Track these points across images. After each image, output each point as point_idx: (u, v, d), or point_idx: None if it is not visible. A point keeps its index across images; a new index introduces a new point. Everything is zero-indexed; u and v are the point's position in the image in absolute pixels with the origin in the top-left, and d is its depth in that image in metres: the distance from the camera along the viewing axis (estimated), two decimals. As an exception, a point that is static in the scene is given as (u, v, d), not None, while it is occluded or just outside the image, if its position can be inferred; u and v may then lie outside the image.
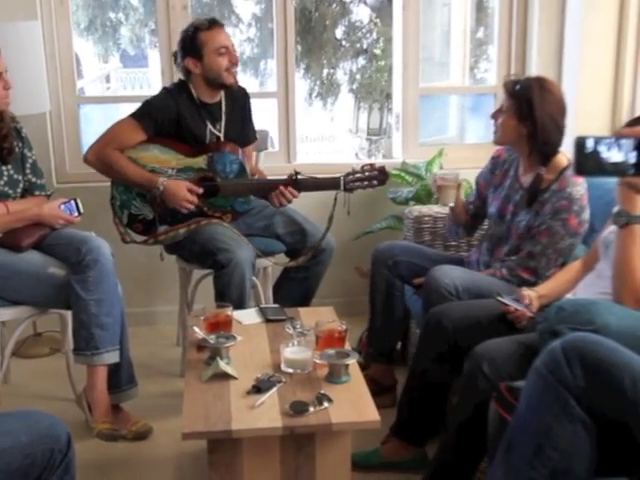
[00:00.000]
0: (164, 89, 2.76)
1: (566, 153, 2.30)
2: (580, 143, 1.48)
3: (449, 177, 2.45)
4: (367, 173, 2.60)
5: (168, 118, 2.63)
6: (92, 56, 7.95)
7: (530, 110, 2.19)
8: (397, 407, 2.21)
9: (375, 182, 2.60)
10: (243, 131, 2.81)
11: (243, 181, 2.68)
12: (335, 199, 2.61)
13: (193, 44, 2.62)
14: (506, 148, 2.43)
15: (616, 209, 1.75)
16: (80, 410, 2.48)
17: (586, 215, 2.21)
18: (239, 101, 2.79)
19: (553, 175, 2.24)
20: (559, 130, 2.22)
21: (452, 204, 2.48)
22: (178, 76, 3.21)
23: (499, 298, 1.99)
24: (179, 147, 2.67)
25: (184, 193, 2.59)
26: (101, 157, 2.61)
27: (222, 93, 2.75)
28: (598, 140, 1.46)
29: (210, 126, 2.70)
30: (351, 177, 2.59)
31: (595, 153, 1.47)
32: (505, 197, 2.38)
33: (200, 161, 2.66)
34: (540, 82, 2.25)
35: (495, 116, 2.30)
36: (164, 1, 3.26)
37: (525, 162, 2.32)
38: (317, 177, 2.66)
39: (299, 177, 2.63)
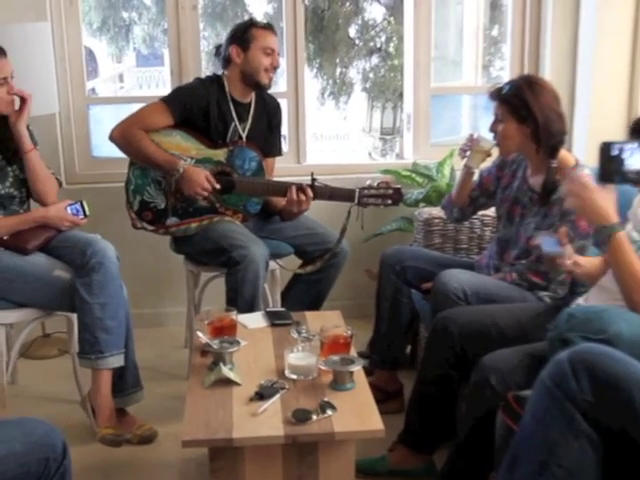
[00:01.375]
0: (197, 79, 2.79)
1: (573, 152, 2.26)
2: (605, 149, 1.43)
3: (485, 144, 2.41)
4: (382, 191, 2.60)
5: (197, 106, 2.64)
6: (105, 56, 7.98)
7: (527, 108, 2.17)
8: (405, 414, 2.17)
9: (389, 201, 2.61)
10: (267, 140, 2.81)
11: (259, 180, 2.66)
12: (349, 212, 2.61)
13: (244, 35, 2.66)
14: None
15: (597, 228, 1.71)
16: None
17: None
18: (269, 110, 2.81)
19: (561, 176, 2.19)
20: (560, 117, 2.21)
21: (477, 169, 2.45)
22: (188, 77, 3.22)
23: (538, 241, 1.90)
24: (201, 138, 2.68)
25: (202, 180, 2.57)
26: (126, 135, 2.63)
27: (253, 95, 2.75)
28: (622, 146, 1.42)
29: (236, 122, 2.70)
30: (366, 192, 2.60)
31: (619, 160, 1.43)
32: (514, 199, 2.34)
33: (220, 154, 2.67)
34: (526, 79, 2.27)
35: (494, 128, 2.27)
36: (174, 1, 3.24)
37: (534, 163, 2.28)
38: (333, 186, 2.65)
39: (316, 184, 2.62)
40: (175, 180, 2.60)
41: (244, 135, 2.72)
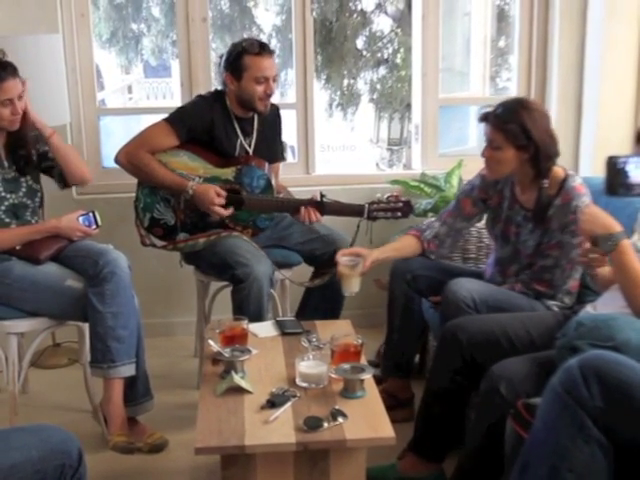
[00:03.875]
0: (199, 97, 2.77)
1: (580, 163, 2.28)
2: (611, 163, 1.45)
3: (351, 265, 2.30)
4: (392, 204, 2.60)
5: (202, 125, 2.63)
6: (114, 67, 8.05)
7: (527, 135, 2.13)
8: (414, 422, 2.18)
9: (399, 214, 2.60)
10: (272, 148, 2.81)
11: (268, 197, 2.67)
12: (358, 226, 2.61)
13: (236, 63, 2.60)
14: None
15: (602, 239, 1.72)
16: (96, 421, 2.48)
17: None
18: (270, 118, 2.79)
19: (553, 190, 2.20)
20: (554, 139, 2.20)
21: (356, 290, 2.34)
22: (197, 88, 3.25)
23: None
24: (208, 157, 2.68)
25: (212, 196, 2.56)
26: (132, 159, 2.62)
27: None
28: (627, 160, 1.44)
29: (241, 139, 2.70)
30: (375, 206, 2.59)
31: (624, 173, 1.44)
32: (506, 219, 2.33)
33: (228, 172, 2.66)
34: (521, 103, 2.21)
35: (487, 154, 2.22)
36: (184, 13, 3.27)
37: (524, 183, 2.27)
38: (342, 202, 2.66)
39: (325, 200, 2.63)
40: (185, 200, 2.60)
41: (251, 150, 2.72)
